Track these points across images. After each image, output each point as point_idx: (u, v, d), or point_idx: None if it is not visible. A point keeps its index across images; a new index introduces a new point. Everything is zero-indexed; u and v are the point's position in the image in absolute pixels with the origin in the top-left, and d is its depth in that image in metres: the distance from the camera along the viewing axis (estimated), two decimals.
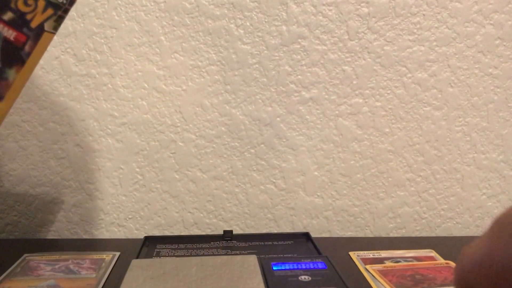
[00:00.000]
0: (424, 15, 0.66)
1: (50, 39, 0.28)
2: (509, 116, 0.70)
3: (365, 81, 0.67)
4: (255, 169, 0.69)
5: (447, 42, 0.67)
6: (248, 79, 0.66)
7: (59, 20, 0.28)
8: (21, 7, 0.26)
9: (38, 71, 0.65)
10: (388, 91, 0.68)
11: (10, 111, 0.66)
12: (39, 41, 0.27)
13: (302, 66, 0.66)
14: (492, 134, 0.70)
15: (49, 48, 0.64)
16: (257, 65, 0.66)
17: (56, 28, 0.29)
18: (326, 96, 0.67)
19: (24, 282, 0.51)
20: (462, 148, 0.70)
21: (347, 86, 0.67)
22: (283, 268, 0.52)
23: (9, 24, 0.25)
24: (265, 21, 0.65)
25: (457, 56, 0.67)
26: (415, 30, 0.66)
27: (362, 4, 0.65)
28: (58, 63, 0.65)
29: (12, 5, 0.25)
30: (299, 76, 0.67)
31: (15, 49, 0.25)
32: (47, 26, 0.27)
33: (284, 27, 0.65)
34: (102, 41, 0.64)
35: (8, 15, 0.25)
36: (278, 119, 0.68)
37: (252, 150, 0.68)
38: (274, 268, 0.52)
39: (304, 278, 0.49)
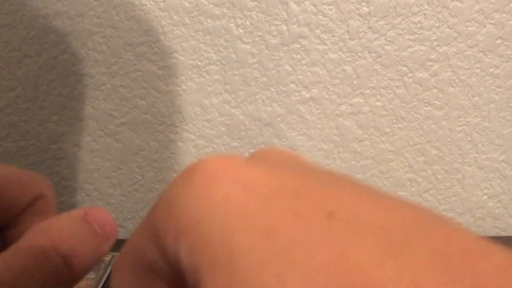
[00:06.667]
0: (425, 14, 0.65)
1: None
2: (510, 116, 0.70)
3: (366, 81, 0.67)
4: None
5: (448, 42, 0.66)
6: (248, 79, 0.66)
7: None
8: None
9: (37, 70, 0.64)
10: (389, 91, 0.67)
11: (9, 111, 0.66)
12: None
13: (302, 65, 0.66)
14: (494, 134, 0.70)
15: (48, 48, 0.64)
16: (257, 65, 0.66)
17: None
18: (327, 96, 0.67)
19: None
20: (463, 148, 0.70)
21: (347, 86, 0.67)
22: None
23: None
24: (265, 21, 0.64)
25: (458, 55, 0.67)
26: (416, 30, 0.66)
27: (362, 4, 0.65)
28: (57, 63, 0.64)
29: None
30: (300, 76, 0.66)
31: None
32: None
33: (284, 27, 0.65)
34: (101, 40, 0.64)
35: None
36: (278, 119, 0.67)
37: (252, 150, 0.68)
38: None
39: None
